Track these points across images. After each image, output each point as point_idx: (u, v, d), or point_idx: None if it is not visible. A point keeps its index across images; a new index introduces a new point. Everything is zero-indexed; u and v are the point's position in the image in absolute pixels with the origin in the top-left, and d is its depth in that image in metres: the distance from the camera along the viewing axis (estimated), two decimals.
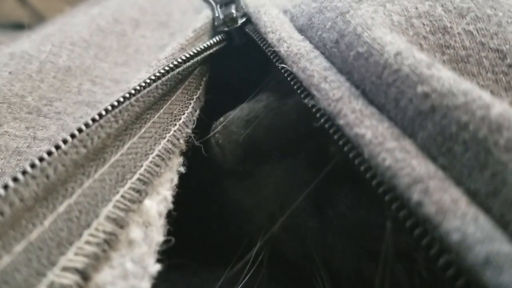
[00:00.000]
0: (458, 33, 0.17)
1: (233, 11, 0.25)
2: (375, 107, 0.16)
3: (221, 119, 0.21)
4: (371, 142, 0.14)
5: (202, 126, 0.22)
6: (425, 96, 0.15)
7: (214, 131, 0.21)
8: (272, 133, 0.20)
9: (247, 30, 0.23)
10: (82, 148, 0.16)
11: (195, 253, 0.22)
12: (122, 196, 0.16)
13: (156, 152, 0.19)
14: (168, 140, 0.19)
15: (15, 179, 0.14)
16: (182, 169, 0.20)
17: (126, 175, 0.17)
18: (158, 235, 0.17)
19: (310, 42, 0.19)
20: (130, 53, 0.27)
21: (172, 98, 0.21)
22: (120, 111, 0.18)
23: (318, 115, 0.16)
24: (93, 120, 0.17)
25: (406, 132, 0.15)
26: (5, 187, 0.14)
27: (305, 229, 0.20)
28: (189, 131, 0.21)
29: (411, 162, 0.14)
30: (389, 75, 0.16)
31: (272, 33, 0.20)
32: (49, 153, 0.15)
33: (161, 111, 0.20)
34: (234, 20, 0.24)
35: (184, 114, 0.21)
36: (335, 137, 0.16)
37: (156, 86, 0.20)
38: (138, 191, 0.17)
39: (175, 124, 0.20)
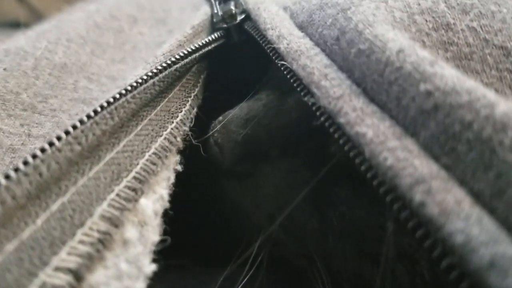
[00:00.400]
0: (462, 29, 0.17)
1: (232, 7, 0.24)
2: (376, 106, 0.15)
3: (220, 118, 0.21)
4: (372, 141, 0.14)
5: (200, 124, 0.22)
6: (428, 94, 0.14)
7: (213, 130, 0.21)
8: (271, 133, 0.20)
9: (246, 27, 0.23)
10: (76, 146, 0.16)
11: (193, 254, 0.21)
12: (117, 195, 0.16)
13: (152, 150, 0.18)
14: (165, 138, 0.19)
15: (7, 177, 0.14)
16: (179, 168, 0.20)
17: (121, 173, 0.17)
18: (153, 234, 0.17)
19: (311, 39, 0.19)
20: (127, 50, 0.26)
21: (169, 96, 0.21)
22: (116, 108, 0.17)
23: (318, 113, 0.16)
24: (88, 117, 0.17)
25: (408, 131, 0.14)
26: None
27: (304, 230, 0.20)
28: (187, 129, 0.21)
29: (413, 161, 0.13)
30: (391, 73, 0.15)
31: (272, 29, 0.20)
32: (43, 150, 0.15)
33: (158, 108, 0.20)
34: (233, 16, 0.24)
35: (181, 111, 0.21)
36: (336, 136, 0.15)
37: (153, 83, 0.19)
38: (134, 190, 0.16)
39: (172, 122, 0.20)
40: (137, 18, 0.28)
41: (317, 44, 0.18)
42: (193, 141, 0.20)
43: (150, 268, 0.15)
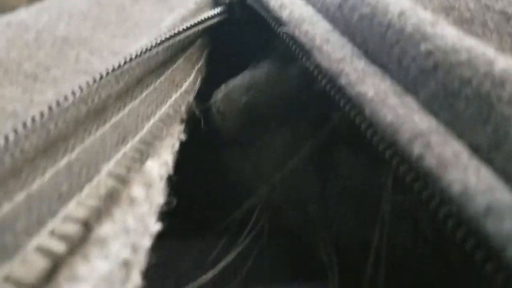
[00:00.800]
0: None
1: None
2: (377, 67, 0.16)
3: (222, 87, 0.21)
4: (372, 100, 0.14)
5: (203, 99, 0.22)
6: (428, 54, 0.15)
7: (215, 99, 0.21)
8: (273, 100, 0.20)
9: (248, 2, 0.23)
10: (83, 106, 0.16)
11: (194, 223, 0.22)
12: (124, 155, 0.16)
13: (157, 116, 0.18)
14: (169, 106, 0.19)
15: (15, 131, 0.14)
16: (183, 136, 0.20)
17: (127, 136, 0.17)
18: (159, 196, 0.17)
19: (313, 7, 0.19)
20: (129, 26, 0.26)
21: (174, 66, 0.21)
22: (121, 73, 0.18)
23: (319, 77, 0.16)
24: (94, 80, 0.17)
25: (408, 90, 0.15)
26: (6, 138, 0.14)
27: (305, 196, 0.20)
28: (191, 99, 0.21)
29: (413, 117, 0.14)
30: (392, 35, 0.16)
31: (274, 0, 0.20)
32: (50, 108, 0.15)
33: (162, 77, 0.20)
34: None
35: (186, 82, 0.21)
36: (336, 98, 0.16)
37: (157, 52, 0.20)
38: (140, 152, 0.17)
39: (177, 92, 0.20)
40: None
41: (319, 11, 0.19)
42: (196, 112, 0.21)
43: (156, 227, 0.16)
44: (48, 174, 0.14)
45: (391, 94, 0.14)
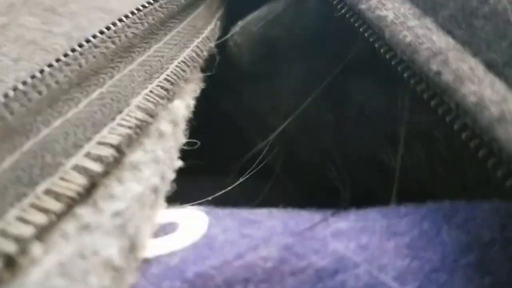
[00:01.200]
0: None
1: None
2: None
3: (240, 22, 0.21)
4: (393, 23, 0.15)
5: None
6: None
7: (232, 32, 0.21)
8: (290, 32, 0.20)
9: None
10: (110, 44, 0.17)
11: (207, 158, 0.22)
12: (151, 91, 0.17)
13: (181, 58, 0.19)
14: (192, 50, 0.20)
15: (50, 65, 0.15)
16: (202, 85, 0.21)
17: (153, 74, 0.17)
18: (182, 135, 0.18)
19: None
20: None
21: (195, 13, 0.22)
22: (145, 14, 0.18)
23: (339, 5, 0.17)
24: (120, 20, 0.17)
25: (427, 13, 0.15)
26: (41, 71, 0.15)
27: (320, 125, 0.20)
28: (212, 45, 0.21)
29: (432, 37, 0.14)
30: None
31: None
32: (80, 45, 0.16)
33: (185, 22, 0.21)
34: None
35: (207, 29, 0.22)
36: (356, 24, 0.16)
37: None
38: (166, 90, 0.17)
39: (198, 37, 0.21)
40: None
41: None
42: (216, 57, 0.21)
43: (178, 163, 0.16)
44: (82, 105, 0.15)
45: (411, 16, 0.15)
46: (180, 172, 0.16)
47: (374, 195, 0.17)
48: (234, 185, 0.19)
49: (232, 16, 0.24)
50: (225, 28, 0.23)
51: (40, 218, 0.12)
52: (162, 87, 0.17)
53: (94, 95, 0.15)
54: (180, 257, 0.13)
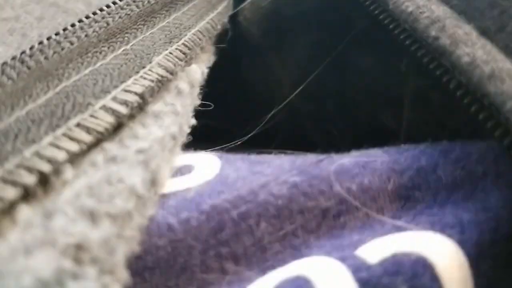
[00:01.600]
0: None
1: None
2: None
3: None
4: None
5: None
6: None
7: (242, 7, 0.22)
8: (297, 6, 0.22)
9: None
10: (135, 7, 0.18)
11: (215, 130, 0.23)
12: (170, 53, 0.18)
13: (197, 28, 0.20)
14: (207, 22, 0.21)
15: (80, 21, 0.16)
16: (214, 58, 0.22)
17: (173, 39, 0.19)
18: (197, 97, 0.19)
19: None
20: None
21: None
22: None
23: None
24: None
25: None
26: (73, 25, 0.16)
27: (324, 92, 0.21)
28: (225, 21, 0.23)
29: (431, 7, 0.16)
30: None
31: None
32: (108, 6, 0.17)
33: None
34: None
35: (221, 5, 0.23)
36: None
37: None
38: (184, 53, 0.18)
39: (213, 12, 0.22)
40: None
41: None
42: (226, 21, 0.22)
43: (193, 121, 0.17)
44: (109, 58, 0.16)
45: None
46: (192, 131, 0.18)
47: None
48: (235, 142, 0.20)
49: None
50: (237, 7, 0.24)
51: (72, 146, 0.13)
52: (180, 51, 0.18)
53: (120, 51, 0.16)
54: (195, 192, 0.14)
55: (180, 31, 0.19)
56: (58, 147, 0.12)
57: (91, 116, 0.14)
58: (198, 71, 0.19)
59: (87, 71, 0.15)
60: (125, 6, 0.17)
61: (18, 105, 0.13)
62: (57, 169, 0.12)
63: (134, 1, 0.18)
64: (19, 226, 0.11)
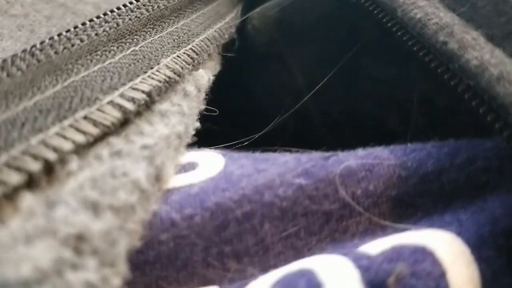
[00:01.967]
0: None
1: None
2: None
3: (258, 9, 0.23)
4: (404, 3, 0.17)
5: None
6: None
7: (250, 17, 0.23)
8: (305, 15, 0.22)
9: None
10: (145, 11, 0.18)
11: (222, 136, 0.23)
12: (178, 56, 0.18)
13: (205, 35, 0.20)
14: (215, 30, 0.21)
15: (91, 20, 0.16)
16: (220, 67, 0.22)
17: (181, 44, 0.19)
18: (202, 102, 0.19)
19: None
20: None
21: (218, 1, 0.23)
22: None
23: None
24: None
25: None
26: (83, 23, 0.16)
27: (331, 95, 0.22)
28: (233, 31, 0.23)
29: (439, 14, 0.16)
30: None
31: None
32: (119, 8, 0.17)
33: (209, 7, 0.22)
34: None
35: (229, 16, 0.23)
36: (371, 7, 0.18)
37: None
38: (192, 58, 0.19)
39: (221, 21, 0.22)
40: None
41: None
42: (233, 31, 0.22)
43: (197, 124, 0.17)
44: (117, 57, 0.16)
45: None
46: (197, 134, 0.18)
47: None
48: (241, 141, 0.20)
49: (251, 9, 0.25)
50: (245, 15, 0.24)
51: (78, 137, 0.13)
52: (188, 55, 0.19)
53: (128, 51, 0.17)
54: (199, 188, 0.14)
55: (188, 37, 0.19)
56: (64, 137, 0.12)
57: (98, 110, 0.14)
58: (205, 76, 0.19)
59: (96, 68, 0.15)
60: (135, 9, 0.18)
61: (26, 96, 0.13)
62: (62, 159, 0.12)
63: (144, 5, 0.18)
64: (21, 214, 0.11)
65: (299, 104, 0.21)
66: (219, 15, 0.23)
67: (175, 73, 0.17)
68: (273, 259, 0.13)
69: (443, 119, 0.19)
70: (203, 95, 0.19)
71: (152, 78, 0.16)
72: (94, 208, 0.12)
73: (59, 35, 0.15)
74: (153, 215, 0.13)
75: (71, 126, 0.13)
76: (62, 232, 0.11)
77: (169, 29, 0.19)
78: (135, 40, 0.17)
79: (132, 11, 0.18)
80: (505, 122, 0.13)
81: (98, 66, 0.15)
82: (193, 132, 0.17)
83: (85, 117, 0.13)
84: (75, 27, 0.16)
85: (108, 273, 0.11)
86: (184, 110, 0.17)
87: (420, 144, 0.15)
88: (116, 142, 0.14)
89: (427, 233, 0.13)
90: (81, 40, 0.15)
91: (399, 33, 0.17)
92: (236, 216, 0.14)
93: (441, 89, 0.16)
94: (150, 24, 0.18)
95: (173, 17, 0.20)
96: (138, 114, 0.15)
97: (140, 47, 0.17)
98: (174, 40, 0.19)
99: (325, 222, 0.14)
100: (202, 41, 0.20)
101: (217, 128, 0.19)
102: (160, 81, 0.16)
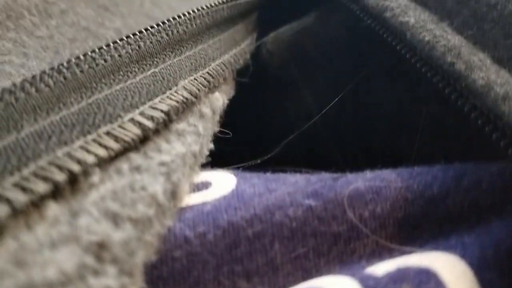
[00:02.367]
0: None
1: None
2: (417, 3, 0.19)
3: (272, 34, 0.24)
4: (413, 26, 0.18)
5: None
6: None
7: (265, 41, 0.24)
8: (318, 41, 0.23)
9: None
10: (165, 35, 0.19)
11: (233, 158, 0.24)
12: (195, 79, 0.19)
13: (221, 60, 0.21)
14: (231, 56, 0.22)
15: (114, 42, 0.17)
16: (234, 91, 0.23)
17: (198, 67, 0.20)
18: (217, 124, 0.19)
19: None
20: None
21: (234, 28, 0.24)
22: (193, 17, 0.21)
23: (366, 17, 0.19)
24: (173, 18, 0.20)
25: (444, 19, 0.18)
26: (107, 45, 0.17)
27: (340, 120, 0.22)
28: (247, 57, 0.24)
29: (447, 37, 0.17)
30: None
31: None
32: (140, 31, 0.18)
33: (226, 33, 0.23)
34: None
35: (244, 42, 0.24)
36: (381, 31, 0.18)
37: (223, 8, 0.23)
38: (208, 81, 0.19)
39: (237, 47, 0.23)
40: None
41: None
42: (248, 57, 0.23)
43: (211, 145, 0.18)
44: (138, 78, 0.17)
45: (430, 21, 0.17)
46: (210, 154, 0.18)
47: None
48: (253, 161, 0.20)
49: (266, 35, 0.26)
50: (260, 40, 0.25)
51: (100, 151, 0.13)
52: (204, 78, 0.19)
53: (149, 72, 0.17)
54: (212, 206, 0.14)
55: (205, 61, 0.20)
56: (88, 150, 0.13)
57: (120, 126, 0.14)
58: (220, 99, 0.20)
59: (118, 87, 0.16)
60: (156, 33, 0.19)
61: (53, 111, 0.14)
62: (85, 171, 0.13)
63: (164, 30, 0.19)
64: (47, 221, 0.11)
65: (307, 125, 0.21)
66: (235, 41, 0.24)
67: (192, 94, 0.18)
68: (282, 279, 0.14)
69: (449, 140, 0.19)
70: (217, 117, 0.20)
71: (170, 99, 0.17)
72: (115, 218, 0.12)
73: (84, 55, 0.16)
74: (167, 231, 0.13)
75: (94, 140, 0.13)
76: (84, 240, 0.11)
77: (187, 53, 0.20)
78: (155, 62, 0.18)
79: (153, 34, 0.18)
80: (510, 140, 0.14)
81: (120, 85, 0.16)
82: (207, 153, 0.18)
83: (107, 133, 0.14)
84: (100, 48, 0.17)
85: (127, 282, 0.11)
86: (199, 130, 0.17)
87: (427, 167, 0.15)
88: (136, 157, 0.14)
89: (432, 255, 0.13)
90: (105, 61, 0.16)
91: (408, 55, 0.17)
92: (247, 235, 0.14)
93: (448, 111, 0.16)
94: (169, 48, 0.19)
95: (191, 42, 0.21)
96: (156, 132, 0.15)
97: (160, 69, 0.18)
98: (191, 64, 0.19)
99: (334, 243, 0.14)
100: (218, 65, 0.21)
101: (229, 149, 0.20)
102: (177, 102, 0.17)
